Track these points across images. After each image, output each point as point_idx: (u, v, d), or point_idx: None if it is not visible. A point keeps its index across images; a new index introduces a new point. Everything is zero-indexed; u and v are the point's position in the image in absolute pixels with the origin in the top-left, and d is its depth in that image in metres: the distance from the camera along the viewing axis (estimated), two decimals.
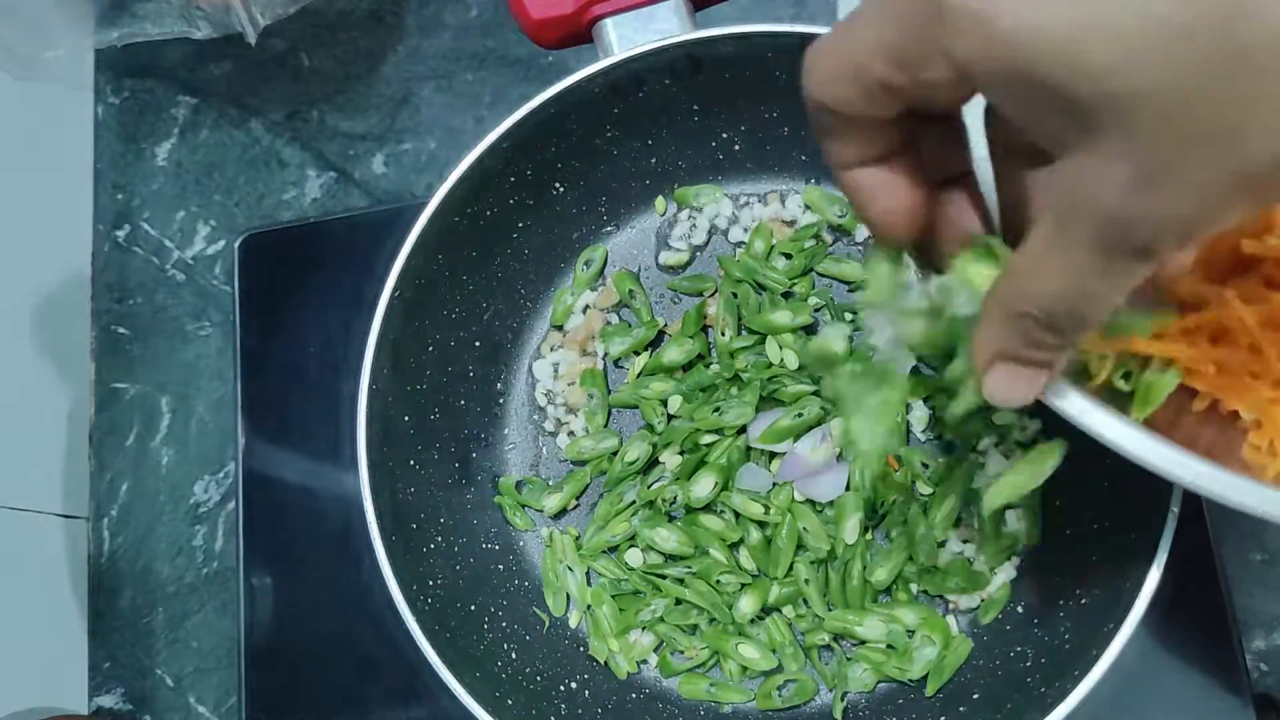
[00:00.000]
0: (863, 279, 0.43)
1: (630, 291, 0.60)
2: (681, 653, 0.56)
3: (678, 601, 0.56)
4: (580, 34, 0.54)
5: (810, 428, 0.56)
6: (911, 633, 0.54)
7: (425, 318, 0.56)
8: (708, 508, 0.56)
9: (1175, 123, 0.23)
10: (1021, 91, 0.25)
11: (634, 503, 0.57)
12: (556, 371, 0.61)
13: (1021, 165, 0.31)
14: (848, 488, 0.55)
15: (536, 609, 0.58)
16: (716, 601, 0.55)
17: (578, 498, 0.59)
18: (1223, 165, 0.23)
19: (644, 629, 0.56)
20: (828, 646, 0.55)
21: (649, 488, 0.57)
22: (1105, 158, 0.24)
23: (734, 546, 0.56)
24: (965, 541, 0.55)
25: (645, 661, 0.57)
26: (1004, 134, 0.32)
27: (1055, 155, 0.26)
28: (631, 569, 0.56)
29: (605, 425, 0.60)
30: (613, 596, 0.56)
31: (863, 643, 0.54)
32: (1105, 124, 0.24)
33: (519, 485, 0.60)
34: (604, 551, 0.57)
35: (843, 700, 0.54)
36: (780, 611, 0.55)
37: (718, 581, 0.55)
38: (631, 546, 0.57)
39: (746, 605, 0.54)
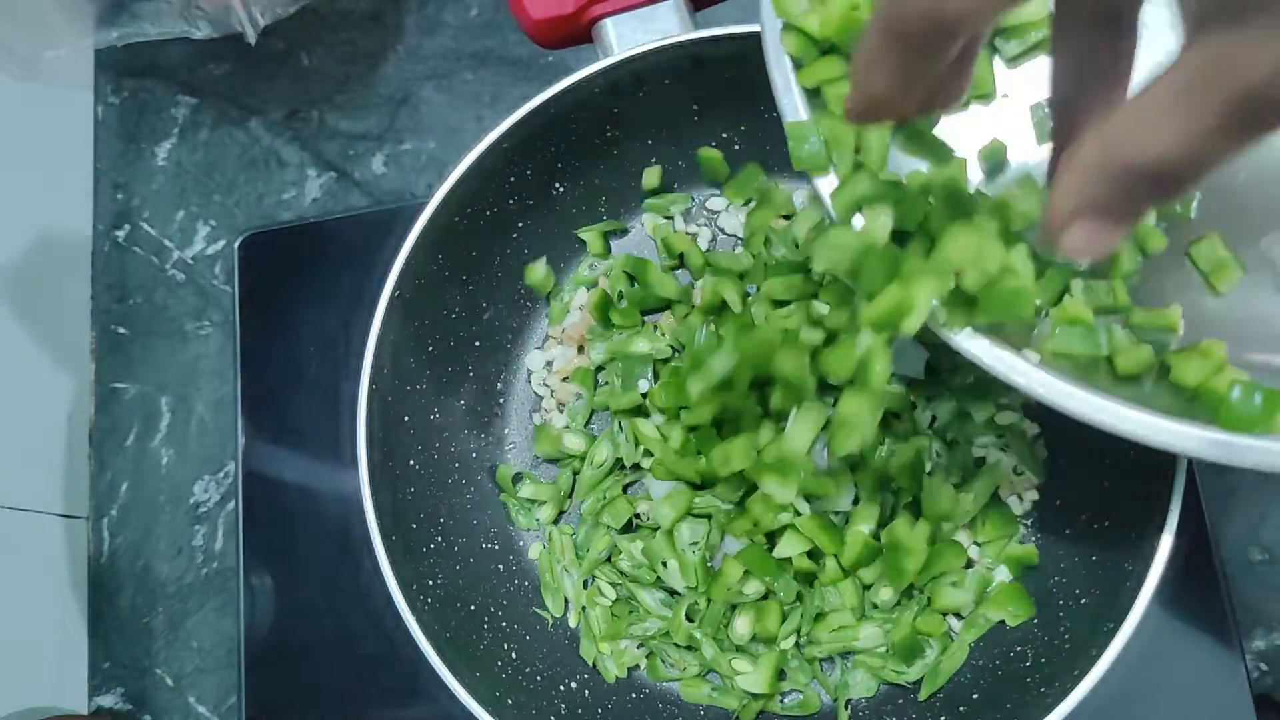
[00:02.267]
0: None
1: (620, 293, 0.60)
2: (672, 665, 0.56)
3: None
4: (580, 34, 0.54)
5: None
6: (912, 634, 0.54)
7: (425, 318, 0.56)
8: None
9: None
10: None
11: (610, 500, 0.57)
12: (550, 368, 0.61)
13: (1084, 35, 0.33)
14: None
15: (537, 609, 0.58)
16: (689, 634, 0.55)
17: (568, 496, 0.59)
18: None
19: (634, 640, 0.56)
20: (828, 658, 0.55)
21: (624, 491, 0.57)
22: (1260, 38, 0.26)
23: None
24: (975, 544, 0.55)
25: (637, 667, 0.57)
26: (1077, 6, 0.33)
27: (1192, 30, 0.28)
28: (624, 574, 0.56)
29: (586, 425, 0.60)
30: (613, 601, 0.57)
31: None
32: (1266, 7, 0.25)
33: (516, 478, 0.60)
34: (604, 560, 0.57)
35: (846, 709, 0.54)
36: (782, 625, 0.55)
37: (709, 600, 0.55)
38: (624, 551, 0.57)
39: (742, 626, 0.54)
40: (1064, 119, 0.35)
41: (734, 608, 0.55)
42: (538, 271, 0.60)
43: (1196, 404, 0.38)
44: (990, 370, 0.38)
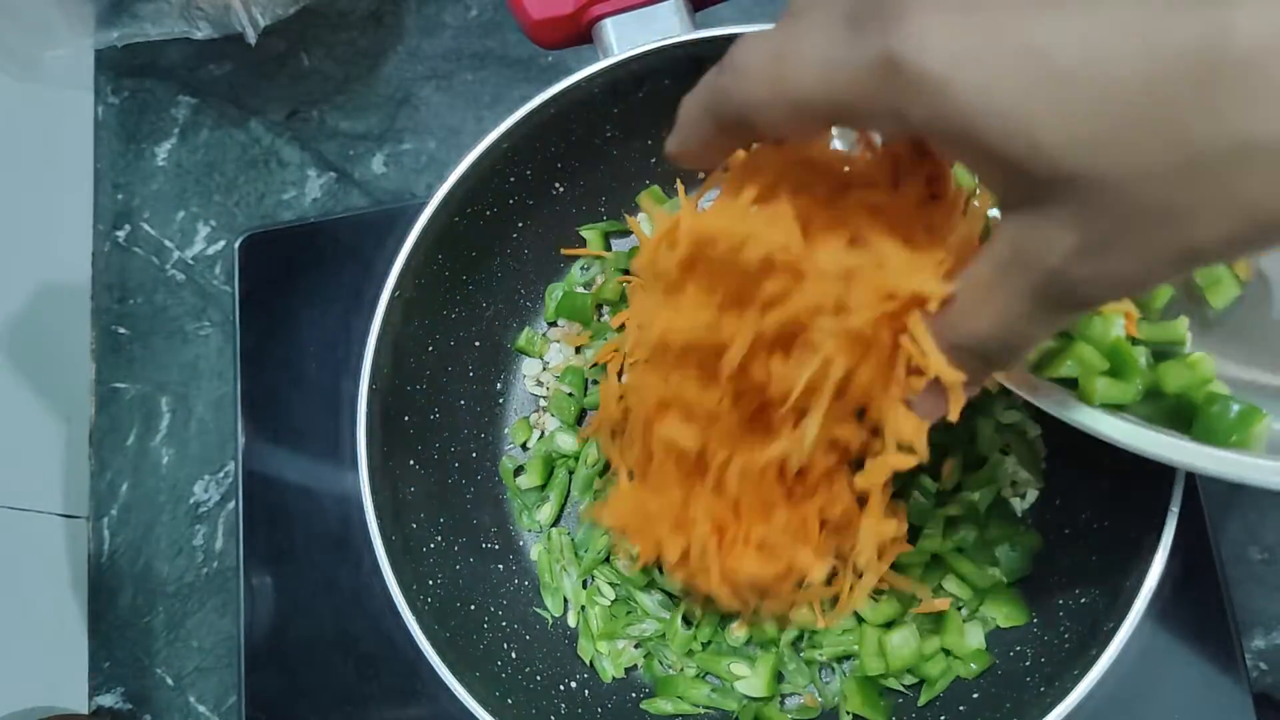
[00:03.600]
0: None
1: (621, 292, 0.60)
2: (670, 668, 0.56)
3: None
4: (580, 34, 0.54)
5: None
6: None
7: (425, 318, 0.56)
8: None
9: (1127, 201, 0.24)
10: (973, 155, 0.25)
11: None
12: (545, 366, 0.61)
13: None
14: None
15: (537, 609, 0.58)
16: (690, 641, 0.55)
17: (565, 497, 0.59)
18: (1171, 242, 0.24)
19: (632, 642, 0.56)
20: (828, 665, 0.55)
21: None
22: (1055, 223, 0.25)
23: None
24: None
25: (634, 667, 0.57)
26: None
27: (1001, 206, 0.27)
28: (625, 576, 0.56)
29: (575, 424, 0.60)
30: (611, 601, 0.57)
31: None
32: (1057, 196, 0.24)
33: (518, 471, 0.60)
34: (603, 560, 0.57)
35: (849, 716, 0.53)
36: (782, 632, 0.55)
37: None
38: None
39: (739, 630, 0.54)
40: None
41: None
42: (521, 338, 0.61)
43: (1176, 414, 0.39)
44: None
